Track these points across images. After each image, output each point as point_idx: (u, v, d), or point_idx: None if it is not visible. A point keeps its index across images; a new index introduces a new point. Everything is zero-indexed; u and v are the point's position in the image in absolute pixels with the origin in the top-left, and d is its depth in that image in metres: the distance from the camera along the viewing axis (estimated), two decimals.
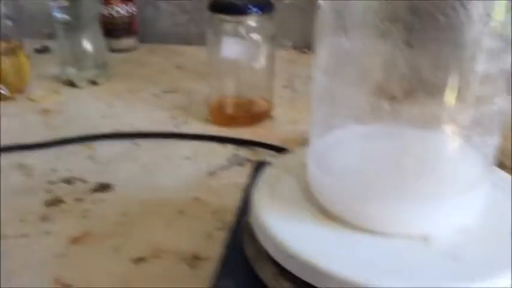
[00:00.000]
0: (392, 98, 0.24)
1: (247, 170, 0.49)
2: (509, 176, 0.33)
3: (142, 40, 0.92)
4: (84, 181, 0.50)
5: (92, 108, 0.68)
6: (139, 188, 0.49)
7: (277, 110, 0.65)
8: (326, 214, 0.29)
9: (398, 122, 0.25)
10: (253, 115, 0.62)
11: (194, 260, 0.39)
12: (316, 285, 0.25)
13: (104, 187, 0.49)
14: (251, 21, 0.58)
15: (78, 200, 0.47)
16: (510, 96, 0.26)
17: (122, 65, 0.83)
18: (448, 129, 0.26)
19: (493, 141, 0.27)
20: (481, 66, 0.24)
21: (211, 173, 0.52)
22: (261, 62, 0.61)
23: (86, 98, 0.71)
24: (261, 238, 0.29)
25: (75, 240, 0.41)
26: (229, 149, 0.56)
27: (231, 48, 0.60)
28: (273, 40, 0.61)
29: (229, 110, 0.63)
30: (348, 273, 0.24)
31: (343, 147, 0.29)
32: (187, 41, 0.93)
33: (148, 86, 0.75)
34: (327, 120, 0.29)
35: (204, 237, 0.42)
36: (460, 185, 0.27)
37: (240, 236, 0.32)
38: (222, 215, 0.44)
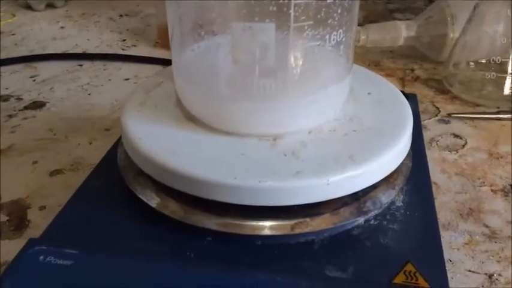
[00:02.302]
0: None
1: None
2: (388, 83, 0.33)
3: None
4: (19, 99, 0.50)
5: (44, 30, 0.67)
6: (72, 106, 0.49)
7: None
8: (191, 119, 0.29)
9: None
10: None
11: None
12: (165, 183, 0.26)
13: (37, 105, 0.49)
14: None
15: (10, 116, 0.47)
16: None
17: None
18: (299, 28, 0.25)
19: (341, 39, 0.27)
20: None
21: None
22: None
23: (41, 20, 0.70)
24: (124, 141, 0.29)
25: None
26: None
27: None
28: None
29: None
30: (192, 170, 0.25)
31: (201, 56, 0.29)
32: None
33: (106, 9, 0.73)
34: (183, 34, 0.29)
35: None
36: (311, 88, 0.27)
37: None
38: None
